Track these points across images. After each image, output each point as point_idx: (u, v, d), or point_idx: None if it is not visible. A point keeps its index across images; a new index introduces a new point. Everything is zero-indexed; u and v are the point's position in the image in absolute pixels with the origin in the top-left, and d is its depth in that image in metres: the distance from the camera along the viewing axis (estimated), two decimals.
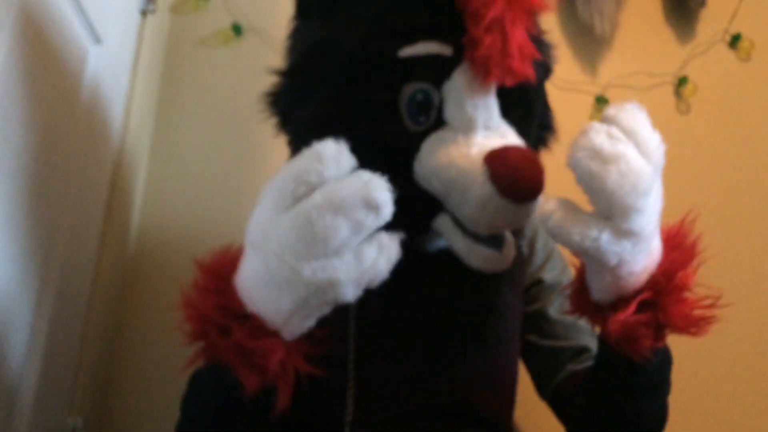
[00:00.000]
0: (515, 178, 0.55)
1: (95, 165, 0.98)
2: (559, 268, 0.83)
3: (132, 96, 1.11)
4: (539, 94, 0.69)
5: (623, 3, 1.29)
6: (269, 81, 0.71)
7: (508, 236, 0.63)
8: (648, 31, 1.33)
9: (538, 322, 0.80)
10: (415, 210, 0.62)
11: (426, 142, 0.62)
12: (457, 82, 0.60)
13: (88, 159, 0.94)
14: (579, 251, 0.57)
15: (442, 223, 0.63)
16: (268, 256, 0.48)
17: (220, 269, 0.55)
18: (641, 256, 0.59)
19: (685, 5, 1.31)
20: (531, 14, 0.59)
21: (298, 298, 0.48)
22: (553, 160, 0.69)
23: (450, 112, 0.61)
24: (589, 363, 0.75)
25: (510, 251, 0.62)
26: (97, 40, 0.94)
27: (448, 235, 0.63)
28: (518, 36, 0.58)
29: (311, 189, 0.47)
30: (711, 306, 0.63)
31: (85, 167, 0.93)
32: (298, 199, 0.47)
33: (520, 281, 0.77)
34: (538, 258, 0.83)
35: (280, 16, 1.30)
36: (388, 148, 0.62)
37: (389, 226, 0.50)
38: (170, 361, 1.12)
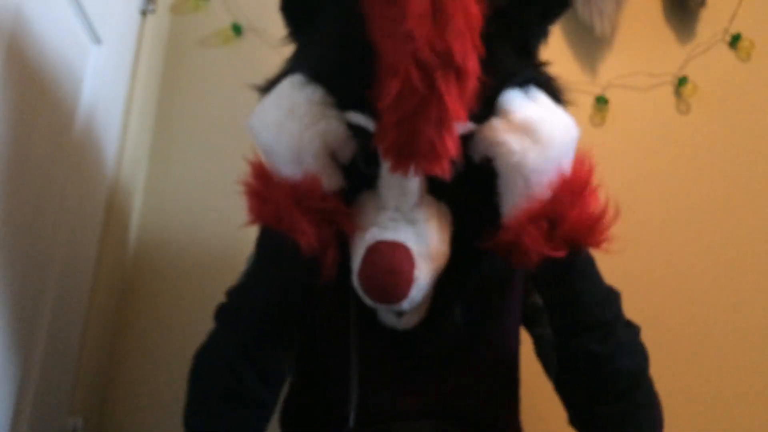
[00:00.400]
0: (371, 285, 0.60)
1: (95, 165, 0.98)
2: None
3: (132, 96, 1.11)
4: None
5: (623, 3, 1.29)
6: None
7: (413, 308, 0.65)
8: (648, 31, 1.33)
9: (534, 314, 0.80)
10: None
11: (360, 195, 0.65)
12: (381, 161, 0.61)
13: (88, 159, 0.94)
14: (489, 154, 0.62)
15: None
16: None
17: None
18: (548, 164, 0.61)
19: (685, 5, 1.31)
20: (455, 113, 0.55)
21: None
22: None
23: (378, 180, 0.63)
24: None
25: (411, 320, 0.67)
26: (97, 40, 0.94)
27: None
28: (431, 135, 0.55)
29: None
30: (604, 213, 0.63)
31: (85, 167, 0.93)
32: None
33: (516, 285, 0.77)
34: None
35: (280, 16, 1.31)
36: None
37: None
38: (170, 361, 1.12)
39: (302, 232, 0.60)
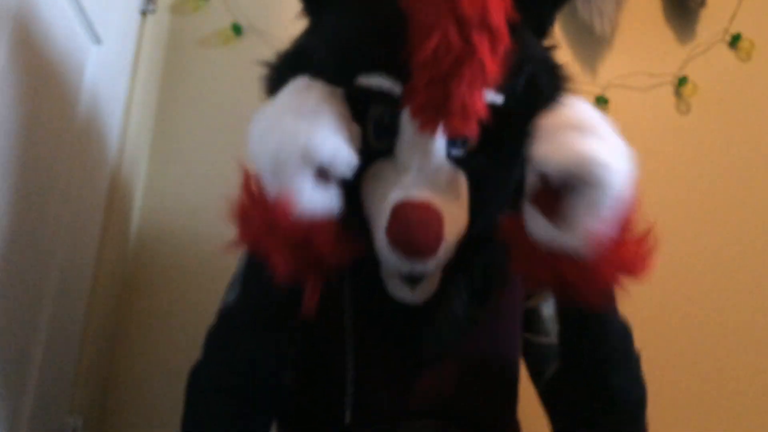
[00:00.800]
0: (402, 238, 0.57)
1: (95, 164, 0.98)
2: None
3: (132, 96, 1.11)
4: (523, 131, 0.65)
5: (623, 3, 1.29)
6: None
7: (428, 278, 0.63)
8: (648, 31, 1.33)
9: (531, 319, 0.80)
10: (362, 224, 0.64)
11: (372, 165, 0.63)
12: (403, 122, 0.61)
13: (88, 159, 0.94)
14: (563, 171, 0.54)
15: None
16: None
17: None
18: (608, 204, 0.55)
19: (685, 5, 1.31)
20: (489, 74, 0.56)
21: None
22: None
23: (397, 145, 0.62)
24: None
25: (425, 293, 0.64)
26: (97, 40, 0.94)
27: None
28: (464, 94, 0.55)
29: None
30: (642, 241, 0.58)
31: (85, 166, 0.93)
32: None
33: (517, 286, 0.77)
34: None
35: (280, 16, 1.31)
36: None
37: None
38: (170, 361, 1.12)
39: (275, 261, 0.56)
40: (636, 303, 1.14)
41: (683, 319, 1.20)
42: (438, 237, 0.57)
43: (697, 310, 1.21)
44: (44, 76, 0.78)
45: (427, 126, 0.58)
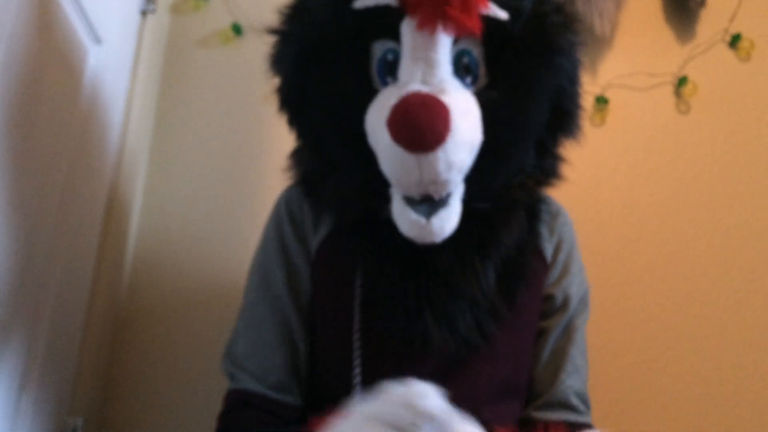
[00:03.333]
0: (403, 125, 0.52)
1: (95, 164, 0.98)
2: (574, 283, 0.78)
3: (132, 96, 1.11)
4: (542, 61, 0.62)
5: (623, 3, 1.29)
6: (269, 81, 0.72)
7: (446, 209, 0.58)
8: (648, 31, 1.33)
9: (535, 341, 0.77)
10: (374, 175, 0.60)
11: (382, 90, 0.59)
12: (404, 35, 0.58)
13: (88, 158, 0.94)
14: None
15: (393, 189, 0.60)
16: None
17: None
18: None
19: (685, 5, 1.31)
20: None
21: None
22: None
23: (399, 68, 0.59)
24: (551, 415, 0.73)
25: (443, 224, 0.57)
26: (97, 40, 0.94)
27: (393, 202, 0.60)
28: None
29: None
30: None
31: (85, 166, 0.93)
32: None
33: (537, 285, 0.75)
34: (557, 271, 0.78)
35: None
36: (355, 108, 0.60)
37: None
38: (170, 361, 1.12)
39: None
40: (636, 303, 1.15)
41: (683, 318, 1.20)
42: (445, 120, 0.52)
43: (697, 310, 1.21)
44: (44, 76, 0.78)
45: (427, 23, 0.54)
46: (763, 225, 1.25)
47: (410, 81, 0.57)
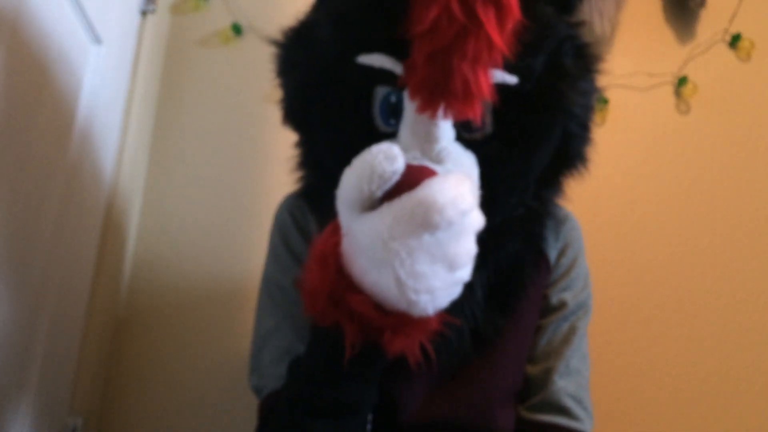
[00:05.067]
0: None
1: (95, 164, 0.98)
2: (574, 287, 0.78)
3: (132, 96, 1.11)
4: (546, 119, 0.61)
5: (623, 3, 1.29)
6: (269, 81, 0.72)
7: None
8: (648, 31, 1.33)
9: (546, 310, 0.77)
10: None
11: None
12: (407, 100, 0.57)
13: (88, 158, 0.94)
14: None
15: None
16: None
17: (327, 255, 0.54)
18: None
19: (685, 5, 1.31)
20: (496, 50, 0.52)
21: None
22: None
23: (400, 127, 0.59)
24: (542, 417, 0.72)
25: None
26: (97, 40, 0.94)
27: None
28: (466, 72, 0.52)
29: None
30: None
31: (85, 166, 0.93)
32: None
33: (539, 289, 0.75)
34: (557, 273, 0.78)
35: (280, 16, 1.31)
36: (355, 145, 0.58)
37: None
38: (170, 361, 1.12)
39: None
40: (636, 303, 1.15)
41: (683, 318, 1.20)
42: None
43: (697, 310, 1.21)
44: (44, 76, 0.78)
45: (427, 106, 0.54)
46: (763, 225, 1.25)
47: (407, 150, 0.57)
